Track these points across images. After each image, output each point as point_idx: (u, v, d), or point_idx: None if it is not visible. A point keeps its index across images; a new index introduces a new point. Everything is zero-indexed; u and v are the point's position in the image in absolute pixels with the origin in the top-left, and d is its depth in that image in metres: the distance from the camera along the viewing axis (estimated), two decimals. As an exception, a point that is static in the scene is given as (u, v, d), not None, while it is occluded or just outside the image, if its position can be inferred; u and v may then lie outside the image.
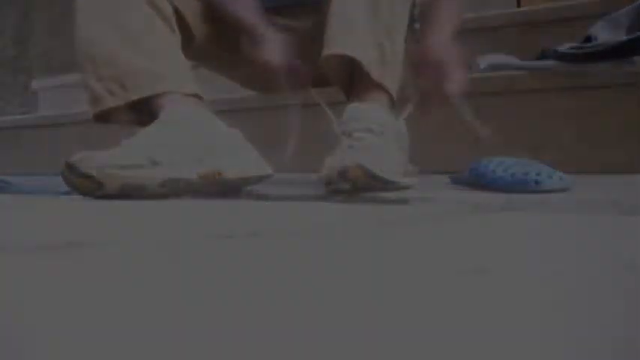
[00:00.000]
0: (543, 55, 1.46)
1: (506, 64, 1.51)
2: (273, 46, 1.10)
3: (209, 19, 1.22)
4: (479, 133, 1.03)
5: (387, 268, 0.45)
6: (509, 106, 1.46)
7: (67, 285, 0.41)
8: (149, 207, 0.91)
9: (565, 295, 0.36)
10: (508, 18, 1.78)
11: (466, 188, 1.05)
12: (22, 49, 3.23)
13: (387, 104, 1.05)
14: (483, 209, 0.80)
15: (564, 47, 1.41)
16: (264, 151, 1.09)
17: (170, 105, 1.08)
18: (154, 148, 1.01)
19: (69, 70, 2.51)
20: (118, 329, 0.31)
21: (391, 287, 0.39)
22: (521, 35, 1.71)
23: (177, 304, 0.36)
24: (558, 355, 0.27)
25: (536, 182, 0.94)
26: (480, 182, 1.02)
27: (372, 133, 0.99)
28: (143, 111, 1.12)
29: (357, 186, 0.91)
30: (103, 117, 1.14)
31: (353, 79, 1.09)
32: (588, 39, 1.40)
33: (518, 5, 2.07)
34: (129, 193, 0.99)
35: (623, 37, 1.35)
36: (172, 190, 1.01)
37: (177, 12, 1.17)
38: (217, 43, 1.24)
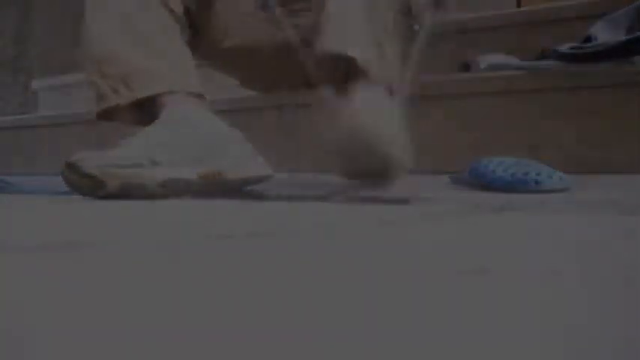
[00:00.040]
0: (543, 55, 1.46)
1: (506, 64, 1.51)
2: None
3: (220, 20, 1.22)
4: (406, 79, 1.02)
5: (387, 268, 0.45)
6: (509, 106, 1.46)
7: (66, 285, 0.41)
8: (149, 207, 0.91)
9: (565, 295, 0.36)
10: (508, 18, 1.78)
11: (466, 188, 1.05)
12: (22, 49, 3.23)
13: None
14: (483, 209, 0.80)
15: (564, 47, 1.41)
16: (264, 151, 1.09)
17: (171, 105, 1.08)
18: (154, 148, 1.01)
19: (69, 70, 2.51)
20: (118, 329, 0.31)
21: (391, 287, 0.39)
22: (521, 35, 1.71)
23: (177, 304, 0.36)
24: (558, 355, 0.27)
25: (536, 182, 0.94)
26: (480, 182, 1.02)
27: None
28: (147, 110, 1.12)
29: None
30: (107, 115, 1.15)
31: (348, 79, 1.09)
32: (588, 39, 1.40)
33: (518, 5, 2.07)
34: (129, 193, 0.99)
35: (623, 37, 1.35)
36: (172, 190, 1.01)
37: (188, 12, 1.17)
38: (225, 43, 1.26)
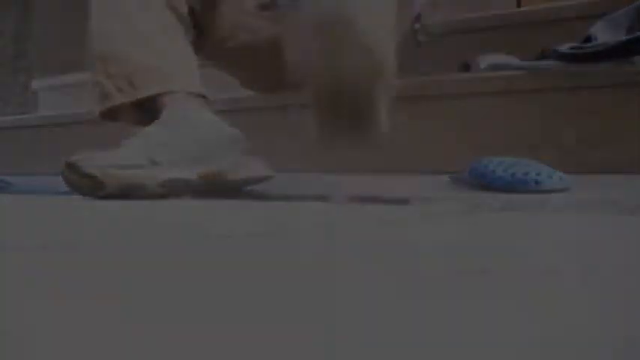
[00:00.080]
0: (543, 55, 1.46)
1: (506, 64, 1.51)
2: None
3: (224, 20, 1.23)
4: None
5: (387, 267, 0.45)
6: (509, 106, 1.46)
7: (66, 285, 0.41)
8: (149, 207, 0.91)
9: (565, 295, 0.36)
10: (508, 18, 1.78)
11: (466, 188, 1.05)
12: (22, 49, 3.23)
13: None
14: (483, 209, 0.80)
15: (564, 47, 1.41)
16: (264, 151, 1.09)
17: (172, 105, 1.08)
18: (154, 148, 1.01)
19: (69, 70, 2.51)
20: (118, 329, 0.31)
21: (391, 287, 0.39)
22: (521, 35, 1.71)
23: (177, 304, 0.36)
24: (558, 355, 0.27)
25: (536, 182, 0.94)
26: (480, 182, 1.02)
27: None
28: (148, 110, 1.12)
29: None
30: (110, 115, 1.15)
31: None
32: (588, 39, 1.40)
33: (518, 5, 2.07)
34: (129, 193, 0.99)
35: (623, 37, 1.35)
36: (172, 190, 1.01)
37: (193, 12, 1.18)
38: (229, 43, 1.26)
